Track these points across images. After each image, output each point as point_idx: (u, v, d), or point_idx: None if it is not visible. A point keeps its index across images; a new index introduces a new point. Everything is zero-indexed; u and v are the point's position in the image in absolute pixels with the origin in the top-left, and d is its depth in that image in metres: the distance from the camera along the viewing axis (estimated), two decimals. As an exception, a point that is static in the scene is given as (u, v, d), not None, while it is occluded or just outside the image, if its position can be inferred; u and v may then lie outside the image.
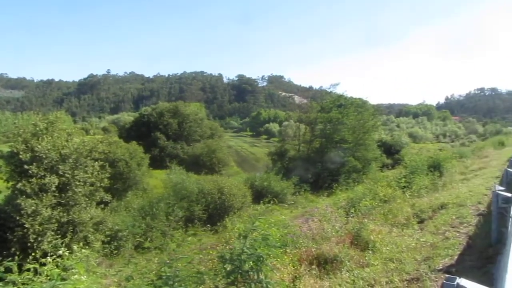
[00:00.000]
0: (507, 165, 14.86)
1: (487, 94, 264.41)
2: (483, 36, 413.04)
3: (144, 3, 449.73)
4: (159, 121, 50.30)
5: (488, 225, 7.53)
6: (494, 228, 6.88)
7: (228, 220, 17.46)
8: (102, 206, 16.47)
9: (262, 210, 9.51)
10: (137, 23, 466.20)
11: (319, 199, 27.47)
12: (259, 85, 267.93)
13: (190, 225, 18.97)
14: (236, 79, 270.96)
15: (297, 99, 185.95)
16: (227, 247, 8.88)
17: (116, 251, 15.76)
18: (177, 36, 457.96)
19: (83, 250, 7.54)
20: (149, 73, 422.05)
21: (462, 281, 2.80)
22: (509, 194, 6.67)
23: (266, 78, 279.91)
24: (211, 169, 38.16)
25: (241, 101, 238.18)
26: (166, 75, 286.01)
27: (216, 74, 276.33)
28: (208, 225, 18.13)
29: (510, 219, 5.21)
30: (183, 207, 19.79)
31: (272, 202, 10.91)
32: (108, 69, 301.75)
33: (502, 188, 7.56)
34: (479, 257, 6.62)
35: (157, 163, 38.59)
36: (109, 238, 15.71)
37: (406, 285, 6.69)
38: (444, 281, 2.86)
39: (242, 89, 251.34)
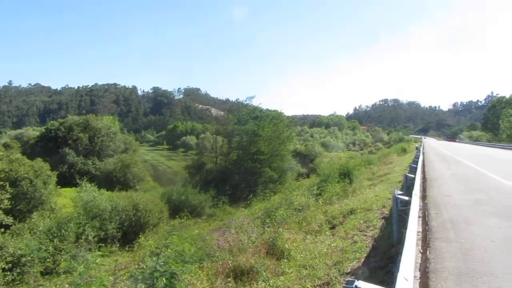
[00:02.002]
0: (408, 170, 16.05)
1: (390, 104, 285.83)
2: (383, 51, 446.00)
3: (52, 12, 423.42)
4: (68, 136, 47.34)
5: (390, 227, 8.05)
6: (395, 229, 7.40)
7: (143, 237, 16.91)
8: (2, 230, 15.15)
9: (178, 225, 9.34)
10: (43, 31, 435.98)
11: (237, 211, 27.69)
12: (176, 98, 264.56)
13: (103, 245, 18.03)
14: (152, 91, 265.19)
15: (214, 111, 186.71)
16: (141, 265, 8.61)
17: (20, 278, 14.51)
18: (87, 46, 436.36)
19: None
20: (56, 84, 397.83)
21: (360, 283, 2.96)
22: (406, 198, 7.23)
23: (183, 91, 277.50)
24: (126, 185, 36.69)
25: (157, 113, 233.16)
26: (76, 87, 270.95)
27: (130, 86, 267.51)
28: (118, 244, 17.43)
29: (408, 220, 5.64)
30: (95, 226, 18.76)
31: (186, 216, 10.76)
32: (10, 80, 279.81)
33: (401, 192, 8.18)
34: (383, 257, 7.08)
35: (66, 180, 36.25)
36: (10, 264, 14.41)
37: (318, 290, 6.96)
38: (344, 285, 3.00)
39: (158, 101, 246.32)
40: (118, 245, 17.82)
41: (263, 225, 14.41)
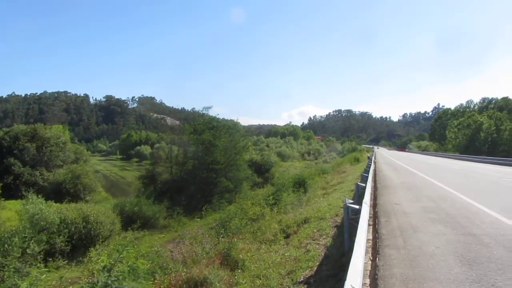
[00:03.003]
0: (360, 179, 16.48)
1: (343, 115, 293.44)
2: (339, 64, 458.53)
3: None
4: (14, 146, 44.98)
5: (342, 235, 8.21)
6: (346, 238, 7.55)
7: (94, 250, 16.32)
8: None
9: (131, 238, 9.10)
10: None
11: (192, 221, 27.35)
12: (130, 106, 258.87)
13: (51, 259, 17.25)
14: (104, 100, 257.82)
15: (169, 120, 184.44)
16: (90, 280, 8.31)
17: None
18: (36, 52, 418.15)
19: None
20: (1, 92, 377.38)
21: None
22: (357, 206, 7.41)
23: (137, 99, 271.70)
24: (76, 196, 35.35)
25: (109, 123, 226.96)
26: (23, 95, 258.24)
27: (82, 95, 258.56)
28: (65, 258, 16.75)
29: (357, 228, 5.77)
30: (42, 240, 17.90)
31: (137, 228, 10.49)
32: None
33: (352, 201, 8.39)
34: (334, 266, 7.21)
35: (11, 192, 34.53)
36: None
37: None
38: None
39: (111, 110, 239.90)
40: (66, 260, 17.09)
41: (217, 235, 14.32)
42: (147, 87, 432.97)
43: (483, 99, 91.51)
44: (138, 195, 33.03)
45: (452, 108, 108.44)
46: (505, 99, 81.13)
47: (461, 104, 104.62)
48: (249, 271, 9.07)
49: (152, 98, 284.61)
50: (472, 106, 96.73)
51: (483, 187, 16.43)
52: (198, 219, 27.19)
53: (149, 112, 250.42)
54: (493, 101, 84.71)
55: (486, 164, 37.28)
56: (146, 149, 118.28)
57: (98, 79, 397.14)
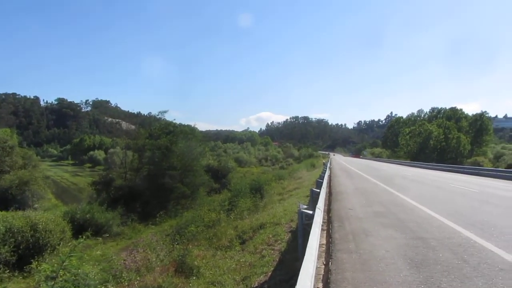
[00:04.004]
0: (315, 185, 16.71)
1: (300, 122, 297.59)
2: (297, 71, 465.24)
3: None
4: (-46, 151, 42.50)
5: (297, 240, 8.28)
6: (300, 243, 7.60)
7: (40, 260, 15.60)
8: None
9: (81, 246, 8.77)
10: None
11: (147, 228, 26.78)
12: (83, 110, 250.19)
13: (-6, 270, 16.32)
14: (56, 102, 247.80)
15: (124, 125, 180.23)
16: (36, 291, 7.94)
17: None
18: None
19: None
20: None
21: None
22: (311, 212, 7.48)
23: (91, 103, 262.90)
24: (24, 204, 33.61)
25: (61, 126, 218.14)
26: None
27: (32, 97, 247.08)
28: (8, 269, 15.89)
29: (310, 234, 5.82)
30: (-17, 250, 16.92)
31: (87, 236, 10.12)
32: None
33: (306, 207, 8.47)
34: (288, 271, 7.25)
35: (-49, 200, 32.52)
36: None
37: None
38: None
39: (63, 113, 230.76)
40: (11, 271, 16.22)
41: (173, 242, 14.08)
42: (101, 90, 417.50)
43: (433, 109, 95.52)
44: (91, 202, 31.87)
45: (404, 116, 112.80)
46: (453, 109, 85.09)
47: (413, 113, 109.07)
48: (204, 278, 8.98)
49: (107, 102, 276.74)
50: (422, 115, 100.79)
51: (432, 193, 17.10)
52: (153, 226, 26.67)
53: (103, 116, 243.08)
54: (442, 111, 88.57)
55: (435, 170, 38.92)
56: (100, 154, 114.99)
57: (50, 82, 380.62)
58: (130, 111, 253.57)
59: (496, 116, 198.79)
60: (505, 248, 6.56)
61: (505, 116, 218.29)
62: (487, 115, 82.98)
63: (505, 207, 12.16)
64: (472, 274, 5.17)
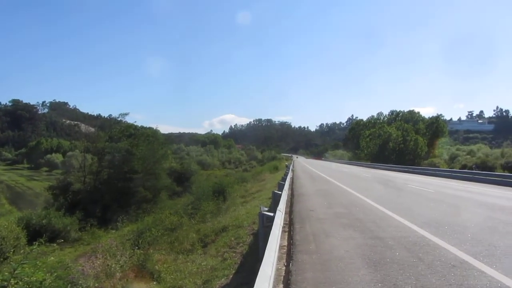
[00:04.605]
0: (277, 187, 16.81)
1: (264, 124, 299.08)
2: (260, 74, 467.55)
3: None
4: None
5: (258, 243, 8.30)
6: (261, 245, 7.61)
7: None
8: None
9: (35, 253, 8.44)
10: None
11: (107, 234, 26.14)
12: (39, 112, 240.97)
13: None
14: (10, 104, 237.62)
15: (83, 127, 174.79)
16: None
17: None
18: None
19: None
20: None
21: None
22: (271, 214, 7.51)
23: (48, 105, 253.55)
24: (-25, 210, 32.27)
25: (16, 129, 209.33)
26: None
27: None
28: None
29: (270, 236, 5.84)
30: None
31: (41, 242, 9.71)
32: None
33: (267, 209, 8.50)
34: (249, 273, 7.24)
35: None
36: None
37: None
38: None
39: (18, 115, 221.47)
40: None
41: (133, 247, 13.81)
42: (59, 91, 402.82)
43: (392, 112, 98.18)
44: (47, 207, 30.81)
45: (365, 119, 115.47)
46: (411, 112, 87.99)
47: (373, 116, 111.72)
48: (165, 282, 8.86)
49: (65, 104, 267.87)
50: (382, 118, 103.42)
51: (391, 194, 17.60)
52: (114, 231, 26.06)
53: (61, 118, 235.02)
54: (400, 114, 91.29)
55: (394, 171, 40.10)
56: (57, 158, 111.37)
57: (4, 82, 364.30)
58: (89, 113, 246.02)
59: (451, 119, 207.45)
60: (457, 245, 6.82)
61: (459, 119, 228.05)
62: (442, 117, 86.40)
63: (457, 206, 12.68)
64: (427, 272, 5.34)
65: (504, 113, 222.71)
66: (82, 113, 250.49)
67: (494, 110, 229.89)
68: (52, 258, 9.65)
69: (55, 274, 7.96)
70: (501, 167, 42.39)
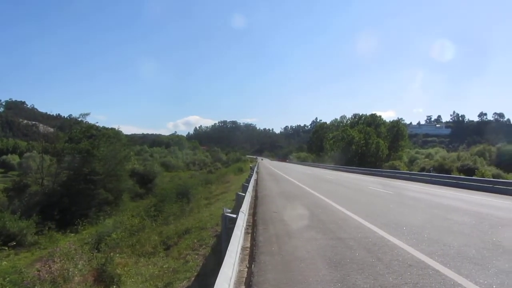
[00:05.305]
0: (241, 189, 16.81)
1: (229, 126, 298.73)
2: (225, 75, 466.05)
3: None
4: None
5: (221, 245, 8.27)
6: (223, 247, 7.59)
7: None
8: None
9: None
10: None
11: (66, 237, 25.39)
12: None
13: None
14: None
15: (42, 128, 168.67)
16: None
17: None
18: None
19: None
20: None
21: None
22: (234, 216, 7.51)
23: (4, 104, 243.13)
24: None
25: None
26: None
27: None
28: None
29: (233, 236, 5.84)
30: None
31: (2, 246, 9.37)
32: None
33: (230, 211, 8.50)
34: (212, 275, 7.20)
35: None
36: None
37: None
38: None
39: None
40: None
41: (93, 250, 13.46)
42: (15, 90, 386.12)
43: (355, 115, 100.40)
44: (2, 210, 29.57)
45: (328, 122, 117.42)
46: (373, 116, 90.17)
47: (336, 119, 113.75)
48: (125, 286, 8.70)
49: (22, 103, 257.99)
50: (345, 121, 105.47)
51: (353, 195, 17.96)
52: (73, 234, 25.35)
53: (18, 118, 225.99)
54: (363, 117, 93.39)
55: (357, 174, 40.94)
56: (13, 159, 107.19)
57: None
58: (48, 113, 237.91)
59: (411, 123, 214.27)
60: (414, 245, 7.04)
61: (418, 123, 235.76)
62: (402, 121, 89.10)
63: (416, 207, 13.10)
64: (385, 271, 5.48)
65: (460, 118, 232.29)
66: (41, 113, 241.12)
67: (451, 115, 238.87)
68: (5, 262, 9.26)
69: (8, 279, 7.65)
70: (457, 170, 44.01)
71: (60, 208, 31.55)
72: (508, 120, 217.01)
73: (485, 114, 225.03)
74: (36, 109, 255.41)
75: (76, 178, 35.23)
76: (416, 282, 4.94)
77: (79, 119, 45.42)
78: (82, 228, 25.47)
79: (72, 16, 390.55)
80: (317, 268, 5.77)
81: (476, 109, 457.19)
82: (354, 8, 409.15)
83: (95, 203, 33.01)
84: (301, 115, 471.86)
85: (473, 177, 27.89)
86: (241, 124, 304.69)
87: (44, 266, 12.37)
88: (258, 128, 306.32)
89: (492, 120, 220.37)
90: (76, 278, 9.90)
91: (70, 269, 10.54)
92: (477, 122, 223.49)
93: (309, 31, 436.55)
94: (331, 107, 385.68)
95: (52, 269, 11.16)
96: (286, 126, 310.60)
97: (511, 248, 6.91)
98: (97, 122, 50.99)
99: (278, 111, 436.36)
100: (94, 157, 36.30)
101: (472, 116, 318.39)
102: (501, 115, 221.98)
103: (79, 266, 11.00)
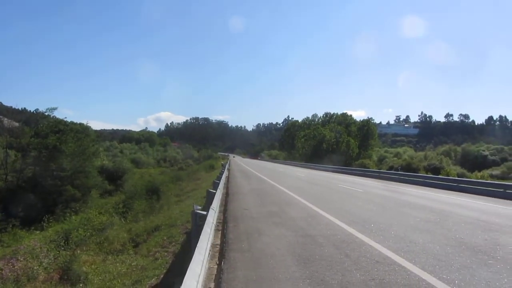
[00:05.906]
0: (212, 186, 16.76)
1: (201, 123, 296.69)
2: (199, 72, 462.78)
3: None
4: None
5: (191, 242, 8.22)
6: (194, 244, 7.55)
7: None
8: None
9: None
10: None
11: (31, 235, 24.66)
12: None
13: None
14: None
15: (6, 122, 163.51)
16: None
17: None
18: None
19: None
20: None
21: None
22: (204, 213, 7.48)
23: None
24: None
25: None
26: None
27: None
28: None
29: (202, 234, 5.81)
30: None
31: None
32: None
33: (200, 208, 8.45)
34: (181, 272, 7.15)
35: None
36: None
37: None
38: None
39: None
40: None
41: (58, 248, 13.14)
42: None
43: (326, 114, 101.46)
44: (-40, 207, 28.48)
45: (300, 120, 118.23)
46: (344, 115, 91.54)
47: (308, 117, 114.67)
48: (92, 284, 8.53)
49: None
50: (316, 120, 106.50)
51: (323, 193, 18.18)
52: (38, 232, 24.61)
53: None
54: (334, 116, 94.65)
55: (327, 172, 41.44)
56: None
57: None
58: (13, 106, 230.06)
59: (380, 123, 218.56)
60: (381, 242, 7.20)
61: (388, 123, 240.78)
62: (372, 121, 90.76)
63: (384, 205, 13.36)
64: (352, 267, 5.58)
65: (427, 119, 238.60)
66: (5, 107, 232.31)
67: (418, 116, 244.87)
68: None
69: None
70: (424, 168, 45.28)
71: (25, 205, 30.59)
72: (473, 121, 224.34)
73: (451, 115, 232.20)
74: (0, 102, 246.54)
75: (42, 174, 34.23)
76: (383, 278, 5.05)
77: (46, 114, 44.00)
78: (48, 225, 24.80)
79: (29, 10, 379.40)
80: (287, 264, 5.81)
81: (443, 110, 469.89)
82: (318, 10, 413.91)
83: (62, 200, 32.13)
84: (273, 113, 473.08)
85: (439, 176, 28.83)
86: (213, 121, 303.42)
87: (7, 265, 11.99)
88: (230, 125, 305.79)
89: (457, 121, 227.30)
90: (40, 276, 9.65)
91: (35, 268, 10.27)
92: (444, 122, 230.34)
93: (284, 28, 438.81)
94: (303, 105, 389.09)
95: (16, 267, 10.85)
96: (259, 124, 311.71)
97: (473, 245, 7.15)
98: (65, 117, 49.52)
99: (250, 109, 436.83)
100: (61, 153, 35.31)
101: (439, 117, 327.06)
102: (466, 116, 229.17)
103: (44, 264, 10.73)
